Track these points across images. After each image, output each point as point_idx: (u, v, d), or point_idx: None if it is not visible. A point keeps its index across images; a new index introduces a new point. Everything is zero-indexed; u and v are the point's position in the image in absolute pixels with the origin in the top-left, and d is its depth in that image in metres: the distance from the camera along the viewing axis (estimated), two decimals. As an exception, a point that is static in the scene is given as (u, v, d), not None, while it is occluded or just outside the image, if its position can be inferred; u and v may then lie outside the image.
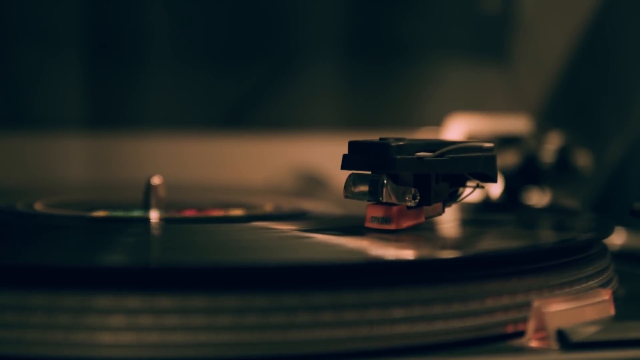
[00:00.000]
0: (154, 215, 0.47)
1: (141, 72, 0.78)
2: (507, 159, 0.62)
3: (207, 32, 0.80)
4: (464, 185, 0.42)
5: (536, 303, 0.35)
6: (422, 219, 0.41)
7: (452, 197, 0.42)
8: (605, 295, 0.37)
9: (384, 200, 0.39)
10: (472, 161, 0.40)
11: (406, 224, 0.40)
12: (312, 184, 0.74)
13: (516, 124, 0.66)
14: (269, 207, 0.51)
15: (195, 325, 0.31)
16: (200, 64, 0.80)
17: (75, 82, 0.77)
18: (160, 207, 0.48)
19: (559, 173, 0.62)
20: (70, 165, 0.77)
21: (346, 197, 0.40)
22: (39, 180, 0.75)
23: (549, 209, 0.59)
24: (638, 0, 0.72)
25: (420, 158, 0.39)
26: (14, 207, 0.50)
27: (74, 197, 0.60)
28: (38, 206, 0.50)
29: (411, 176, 0.40)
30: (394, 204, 0.39)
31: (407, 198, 0.39)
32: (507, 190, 0.62)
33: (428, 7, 0.82)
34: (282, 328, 0.32)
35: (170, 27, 0.79)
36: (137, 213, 0.48)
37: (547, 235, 0.46)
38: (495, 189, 0.61)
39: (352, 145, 0.40)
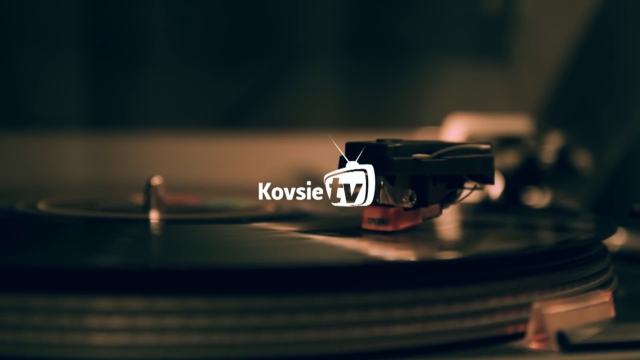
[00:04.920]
0: (154, 216, 0.47)
1: (141, 72, 0.78)
2: (507, 159, 0.62)
3: (207, 32, 0.80)
4: (462, 187, 0.42)
5: (536, 305, 0.34)
6: (420, 220, 0.41)
7: (449, 198, 0.42)
8: (606, 296, 0.37)
9: (381, 202, 0.39)
10: (470, 163, 0.40)
11: (403, 225, 0.40)
12: (311, 184, 0.74)
13: (516, 124, 0.66)
14: (268, 208, 0.51)
15: (196, 326, 0.31)
16: (200, 64, 0.80)
17: (75, 82, 0.77)
18: (160, 207, 0.47)
19: (559, 173, 0.62)
20: (70, 165, 0.77)
21: (343, 198, 0.40)
22: (39, 180, 0.75)
23: (549, 210, 0.59)
24: (638, 1, 0.72)
25: (418, 160, 0.39)
26: (14, 207, 0.50)
27: (74, 197, 0.60)
28: (38, 206, 0.50)
29: (408, 178, 0.39)
30: (391, 206, 0.39)
31: (404, 200, 0.39)
32: (507, 190, 0.62)
33: (428, 7, 0.82)
34: (284, 329, 0.32)
35: (170, 27, 0.79)
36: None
37: (547, 237, 0.46)
38: (495, 190, 0.61)
39: (349, 146, 0.40)
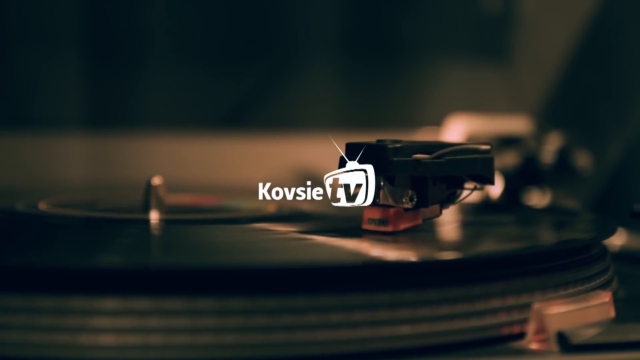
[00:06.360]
0: (154, 216, 0.47)
1: (141, 72, 0.78)
2: (507, 159, 0.62)
3: (206, 32, 0.80)
4: (462, 187, 0.42)
5: (536, 305, 0.35)
6: (420, 221, 0.41)
7: (449, 198, 0.42)
8: (606, 297, 0.37)
9: (381, 203, 0.39)
10: (470, 163, 0.40)
11: (403, 225, 0.40)
12: (311, 184, 0.74)
13: (516, 124, 0.66)
14: (269, 208, 0.51)
15: (203, 326, 0.31)
16: (200, 64, 0.80)
17: (75, 82, 0.77)
18: (160, 207, 0.47)
19: (559, 174, 0.62)
20: (70, 165, 0.77)
21: (343, 198, 0.40)
22: (39, 180, 0.75)
23: (549, 210, 0.59)
24: (638, 1, 0.72)
25: (418, 160, 0.39)
26: (14, 207, 0.50)
27: (74, 197, 0.60)
28: (39, 206, 0.50)
29: (408, 178, 0.39)
30: (391, 206, 0.39)
31: (404, 200, 0.39)
32: (507, 191, 0.62)
33: (428, 7, 0.82)
34: (290, 329, 0.32)
35: (170, 28, 0.79)
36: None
37: (547, 237, 0.46)
38: (496, 190, 0.61)
39: (349, 147, 0.40)
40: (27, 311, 0.31)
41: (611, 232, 0.43)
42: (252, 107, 0.81)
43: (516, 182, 0.62)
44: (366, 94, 0.83)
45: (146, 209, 0.47)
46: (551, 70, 0.77)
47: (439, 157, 0.39)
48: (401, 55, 0.82)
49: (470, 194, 0.42)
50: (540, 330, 0.34)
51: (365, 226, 0.40)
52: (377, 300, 0.33)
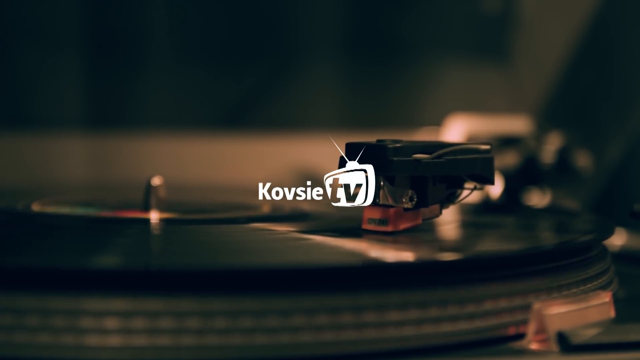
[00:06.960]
0: (154, 216, 0.47)
1: (141, 72, 0.78)
2: (507, 159, 0.62)
3: (207, 32, 0.80)
4: (462, 187, 0.42)
5: (536, 305, 0.35)
6: (420, 221, 0.41)
7: (449, 198, 0.42)
8: (606, 297, 0.37)
9: (381, 202, 0.39)
10: (470, 163, 0.40)
11: (403, 225, 0.40)
12: (311, 184, 0.74)
13: (516, 124, 0.66)
14: (268, 208, 0.51)
15: (187, 328, 0.31)
16: (200, 64, 0.80)
17: (75, 82, 0.77)
18: (160, 207, 0.47)
19: (559, 174, 0.62)
20: (70, 165, 0.77)
21: (343, 199, 0.40)
22: (39, 180, 0.75)
23: (549, 210, 0.59)
24: (638, 1, 0.72)
25: (418, 160, 0.39)
26: (14, 207, 0.50)
27: (74, 197, 0.60)
28: (37, 206, 0.50)
29: (408, 178, 0.40)
30: (391, 206, 0.39)
31: (404, 200, 0.39)
32: (507, 191, 0.62)
33: (428, 7, 0.82)
34: (276, 331, 0.32)
35: (170, 27, 0.79)
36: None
37: (547, 237, 0.46)
38: (495, 190, 0.61)
39: (349, 146, 0.40)
40: (15, 311, 0.31)
41: (610, 233, 0.43)
42: (253, 107, 0.81)
43: (516, 182, 0.62)
44: (366, 94, 0.83)
45: (146, 209, 0.47)
46: (551, 70, 0.77)
47: (439, 157, 0.39)
48: (401, 55, 0.82)
49: (470, 194, 0.42)
50: (541, 330, 0.34)
51: (365, 226, 0.40)
52: (376, 301, 0.33)
